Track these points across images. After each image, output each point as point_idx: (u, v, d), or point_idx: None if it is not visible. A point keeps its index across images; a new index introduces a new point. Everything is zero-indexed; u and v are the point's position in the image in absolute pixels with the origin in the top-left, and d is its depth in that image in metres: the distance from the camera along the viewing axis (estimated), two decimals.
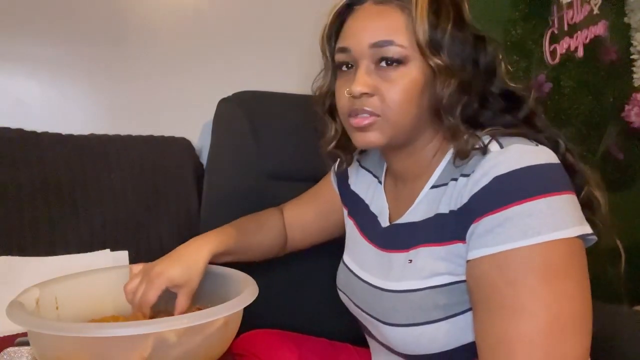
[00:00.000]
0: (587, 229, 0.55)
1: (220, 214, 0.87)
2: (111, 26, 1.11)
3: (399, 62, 0.62)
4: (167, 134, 1.12)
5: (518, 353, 0.51)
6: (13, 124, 0.99)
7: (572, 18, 1.77)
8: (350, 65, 0.66)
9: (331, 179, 0.91)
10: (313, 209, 0.91)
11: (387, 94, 0.62)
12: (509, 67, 0.66)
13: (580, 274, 0.54)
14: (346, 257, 0.81)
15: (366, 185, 0.82)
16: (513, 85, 0.66)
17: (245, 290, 0.65)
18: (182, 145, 1.12)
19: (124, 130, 1.09)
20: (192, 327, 0.56)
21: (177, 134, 1.13)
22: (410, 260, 0.64)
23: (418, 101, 0.62)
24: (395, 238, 0.69)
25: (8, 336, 0.71)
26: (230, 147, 1.09)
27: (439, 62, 0.60)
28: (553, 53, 1.75)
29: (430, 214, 0.64)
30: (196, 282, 0.72)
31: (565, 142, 0.65)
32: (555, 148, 0.61)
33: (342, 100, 0.66)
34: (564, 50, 1.76)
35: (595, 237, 0.57)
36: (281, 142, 1.09)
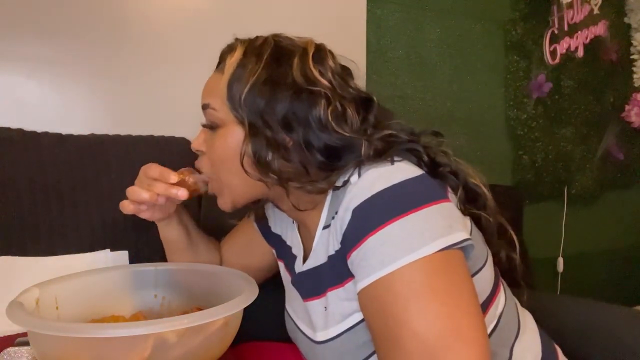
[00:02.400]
0: (455, 238, 0.53)
1: (220, 214, 0.87)
2: (111, 26, 1.11)
3: (216, 125, 0.65)
4: (167, 134, 1.12)
5: None
6: (13, 124, 0.99)
7: (572, 18, 1.77)
8: None
9: (253, 222, 0.86)
10: (236, 247, 0.88)
11: (209, 153, 0.66)
12: (342, 111, 0.61)
13: (450, 290, 0.51)
14: (287, 305, 0.78)
15: (284, 226, 0.79)
16: (347, 133, 0.60)
17: (245, 290, 0.65)
18: (182, 145, 1.12)
19: (124, 130, 1.09)
20: (192, 328, 0.56)
21: (177, 134, 1.13)
22: (325, 308, 0.63)
23: (236, 161, 0.62)
24: (307, 285, 0.68)
25: (8, 336, 0.71)
26: None
27: (239, 118, 0.61)
28: (553, 53, 1.75)
29: (325, 258, 0.63)
30: None
31: (428, 148, 0.62)
32: (418, 157, 0.60)
33: None
34: (564, 50, 1.77)
35: (470, 242, 0.54)
36: None
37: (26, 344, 0.64)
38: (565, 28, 1.76)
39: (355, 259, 0.55)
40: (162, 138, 1.11)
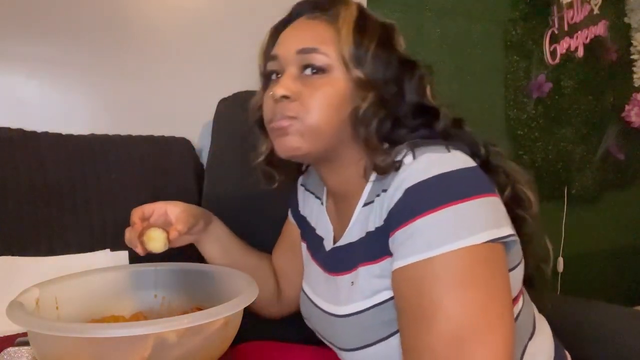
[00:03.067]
0: (502, 232, 0.55)
1: (220, 214, 0.87)
2: (111, 26, 1.11)
3: (322, 70, 0.64)
4: (167, 134, 1.12)
5: None
6: (13, 124, 0.99)
7: (572, 18, 1.77)
8: (278, 75, 0.68)
9: (289, 213, 0.90)
10: (289, 253, 0.89)
11: (308, 99, 0.63)
12: (435, 92, 0.68)
13: (490, 281, 0.53)
14: (304, 283, 0.80)
15: (310, 207, 0.83)
16: (433, 103, 0.67)
17: (245, 291, 0.65)
18: (182, 145, 1.12)
19: (124, 130, 1.09)
20: (192, 327, 0.56)
21: (177, 134, 1.13)
22: (352, 282, 0.64)
23: (338, 110, 0.63)
24: (339, 261, 0.70)
25: (8, 336, 0.71)
26: (230, 147, 1.09)
27: (359, 75, 0.63)
28: (553, 53, 1.75)
29: (363, 234, 0.65)
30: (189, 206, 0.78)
31: (487, 146, 0.65)
32: (475, 153, 0.62)
33: (267, 107, 0.68)
34: (564, 50, 1.76)
35: (515, 238, 0.57)
36: None
37: (26, 344, 0.64)
38: (565, 28, 1.76)
39: (399, 237, 0.56)
40: (162, 138, 1.11)
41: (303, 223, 0.85)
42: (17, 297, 0.63)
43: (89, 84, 1.11)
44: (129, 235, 0.72)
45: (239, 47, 1.21)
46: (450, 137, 0.64)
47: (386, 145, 0.64)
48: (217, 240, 0.84)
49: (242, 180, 1.06)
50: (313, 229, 0.80)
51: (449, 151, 0.58)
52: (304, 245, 0.83)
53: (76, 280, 0.75)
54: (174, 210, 0.76)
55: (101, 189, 0.99)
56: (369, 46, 0.64)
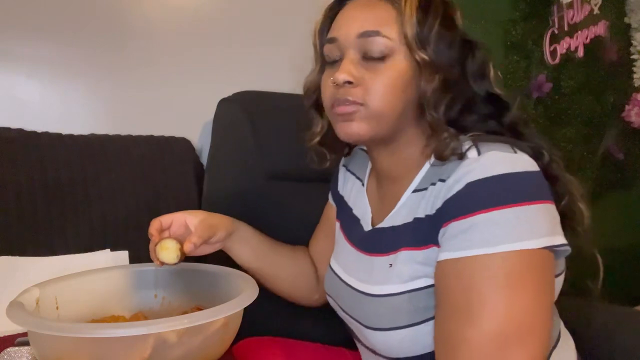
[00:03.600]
0: (557, 240, 0.55)
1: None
2: (111, 26, 1.11)
3: (384, 53, 0.62)
4: (167, 134, 1.12)
5: (459, 356, 0.52)
6: (13, 124, 0.99)
7: (572, 18, 1.77)
8: (337, 58, 0.66)
9: (329, 196, 0.91)
10: (327, 235, 0.88)
11: (372, 84, 0.62)
12: (499, 74, 0.67)
13: (539, 286, 0.54)
14: (332, 261, 0.81)
15: (350, 188, 0.83)
16: (499, 91, 0.66)
17: (245, 290, 0.65)
18: (182, 145, 1.12)
19: (124, 130, 1.09)
20: (192, 328, 0.56)
21: (177, 134, 1.13)
22: (391, 265, 0.64)
23: (402, 94, 0.62)
24: (377, 242, 0.70)
25: (8, 336, 0.71)
26: (230, 147, 1.09)
27: (424, 56, 0.61)
28: (553, 53, 1.74)
29: (410, 219, 0.64)
30: (209, 216, 0.77)
31: (551, 153, 0.64)
32: (538, 158, 0.61)
33: (327, 91, 0.67)
34: (564, 50, 1.76)
35: (568, 248, 0.56)
36: (281, 142, 1.08)
37: (26, 344, 0.64)
38: (566, 28, 1.76)
39: (452, 229, 0.55)
40: (162, 138, 1.11)
41: (340, 202, 0.85)
42: (17, 297, 0.63)
43: (89, 84, 1.11)
44: (150, 247, 0.73)
45: (239, 47, 1.21)
46: (518, 135, 0.64)
47: (452, 131, 0.63)
48: (246, 245, 0.83)
49: (242, 180, 1.07)
50: (350, 209, 0.80)
51: (515, 152, 0.57)
52: (337, 224, 0.84)
53: (76, 280, 0.75)
54: (192, 221, 0.76)
55: (101, 189, 0.99)
56: (433, 25, 0.61)
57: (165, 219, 0.76)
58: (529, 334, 0.52)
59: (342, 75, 0.62)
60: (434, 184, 0.61)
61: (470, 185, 0.55)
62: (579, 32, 1.78)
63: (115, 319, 0.73)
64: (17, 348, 0.64)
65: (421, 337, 0.60)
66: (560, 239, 0.55)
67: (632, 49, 1.92)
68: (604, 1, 1.82)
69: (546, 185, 0.57)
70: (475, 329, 0.52)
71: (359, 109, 0.63)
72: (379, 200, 0.74)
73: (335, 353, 0.92)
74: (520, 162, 0.56)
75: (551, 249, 0.54)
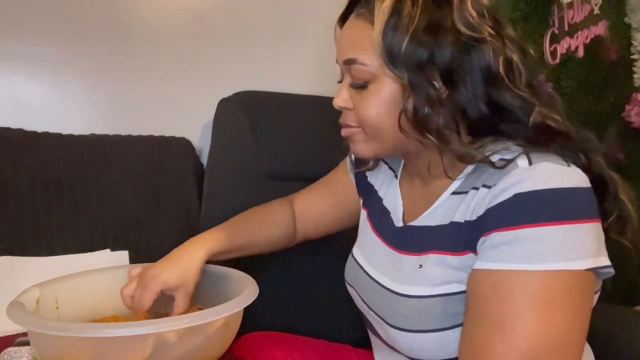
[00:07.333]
0: (601, 262, 0.52)
1: (220, 214, 0.87)
2: (111, 26, 1.11)
3: (366, 79, 0.61)
4: (167, 134, 1.12)
5: None
6: (13, 124, 0.99)
7: (572, 18, 1.77)
8: (342, 79, 0.67)
9: (347, 166, 0.89)
10: (329, 199, 0.89)
11: (360, 111, 0.63)
12: (521, 67, 0.59)
13: (578, 308, 0.52)
14: (356, 251, 0.79)
15: (382, 178, 0.80)
16: (523, 92, 0.58)
17: (245, 290, 0.65)
18: (182, 145, 1.12)
19: (124, 130, 1.09)
20: (192, 327, 0.56)
21: (177, 134, 1.13)
22: (421, 266, 0.62)
23: (391, 115, 0.60)
24: (408, 240, 0.68)
25: (8, 336, 0.71)
26: (230, 147, 1.09)
27: (398, 77, 0.58)
28: (553, 53, 1.74)
29: (446, 221, 0.62)
30: (192, 284, 0.71)
31: (598, 147, 0.60)
32: (588, 160, 0.58)
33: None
34: (564, 50, 1.76)
35: (612, 271, 0.54)
36: (281, 142, 1.09)
37: (26, 344, 0.64)
38: (566, 28, 1.76)
39: (494, 239, 0.53)
40: (162, 138, 1.11)
41: (368, 189, 0.82)
42: (17, 297, 0.63)
43: (89, 84, 1.11)
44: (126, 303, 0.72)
45: (239, 47, 1.21)
46: (551, 139, 0.58)
47: (467, 139, 0.61)
48: (222, 256, 0.81)
49: (242, 180, 1.07)
50: (380, 199, 0.78)
51: (569, 165, 0.55)
52: (364, 213, 0.82)
53: (76, 280, 0.75)
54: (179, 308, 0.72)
55: (101, 189, 0.99)
56: (402, 43, 0.56)
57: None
58: (562, 356, 0.50)
59: (335, 102, 0.65)
60: (476, 188, 0.58)
61: (518, 196, 0.52)
62: (579, 32, 1.78)
63: (115, 319, 0.74)
64: (17, 348, 0.64)
65: (447, 343, 0.59)
66: (604, 260, 0.53)
67: (632, 49, 1.93)
68: (604, 1, 1.82)
69: (594, 202, 0.54)
70: (506, 344, 0.50)
71: (358, 131, 0.64)
72: (412, 195, 0.72)
73: (339, 350, 0.92)
74: (573, 176, 0.53)
75: (594, 270, 0.52)
